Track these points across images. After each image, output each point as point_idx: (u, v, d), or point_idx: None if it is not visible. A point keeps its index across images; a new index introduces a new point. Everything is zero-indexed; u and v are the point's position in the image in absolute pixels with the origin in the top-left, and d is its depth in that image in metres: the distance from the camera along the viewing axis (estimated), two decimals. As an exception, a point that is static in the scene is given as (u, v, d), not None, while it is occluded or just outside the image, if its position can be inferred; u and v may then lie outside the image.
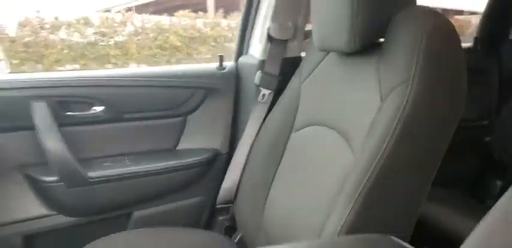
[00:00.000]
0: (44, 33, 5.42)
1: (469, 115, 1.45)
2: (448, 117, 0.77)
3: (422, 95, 0.73)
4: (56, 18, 5.83)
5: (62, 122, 1.12)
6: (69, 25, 5.93)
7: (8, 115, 1.09)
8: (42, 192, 1.13)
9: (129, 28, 6.45)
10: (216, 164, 1.28)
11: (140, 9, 6.79)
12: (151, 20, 6.48)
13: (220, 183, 1.20)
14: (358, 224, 0.74)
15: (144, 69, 1.41)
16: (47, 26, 5.71)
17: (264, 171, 1.06)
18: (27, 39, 4.17)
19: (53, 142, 1.09)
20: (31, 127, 1.09)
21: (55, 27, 5.73)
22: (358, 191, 0.74)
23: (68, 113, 1.14)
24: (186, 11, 6.32)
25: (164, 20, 6.68)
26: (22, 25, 4.19)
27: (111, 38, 5.47)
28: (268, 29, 1.20)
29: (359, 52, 0.83)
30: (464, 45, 1.69)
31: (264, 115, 1.18)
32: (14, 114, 1.09)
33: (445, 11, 6.17)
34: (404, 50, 0.76)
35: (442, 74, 0.75)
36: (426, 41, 0.74)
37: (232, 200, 1.19)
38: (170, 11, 6.53)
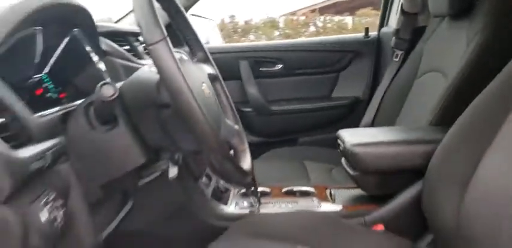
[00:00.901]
0: (236, 36, 6.77)
1: None
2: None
3: (490, 41, 1.26)
4: (246, 23, 7.18)
5: (256, 75, 1.94)
6: (257, 28, 7.22)
7: (225, 69, 1.96)
8: (243, 119, 1.96)
9: (311, 29, 7.42)
10: (358, 107, 1.95)
11: (323, 10, 7.68)
12: (333, 20, 7.33)
13: (360, 120, 1.84)
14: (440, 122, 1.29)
15: (310, 39, 2.18)
16: (239, 30, 7.10)
17: (392, 109, 1.67)
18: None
19: (251, 88, 1.92)
20: (239, 78, 1.93)
21: (245, 31, 7.08)
22: (443, 100, 1.30)
23: (260, 69, 1.96)
24: (368, 8, 6.92)
25: (346, 19, 7.45)
26: (219, 29, 5.43)
27: (294, 39, 6.50)
28: (402, 4, 1.79)
29: (461, 15, 1.39)
30: None
31: (396, 71, 1.78)
32: (228, 69, 1.96)
33: None
34: (484, 10, 1.30)
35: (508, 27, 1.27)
36: (503, 3, 1.27)
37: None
38: (353, 10, 7.25)
